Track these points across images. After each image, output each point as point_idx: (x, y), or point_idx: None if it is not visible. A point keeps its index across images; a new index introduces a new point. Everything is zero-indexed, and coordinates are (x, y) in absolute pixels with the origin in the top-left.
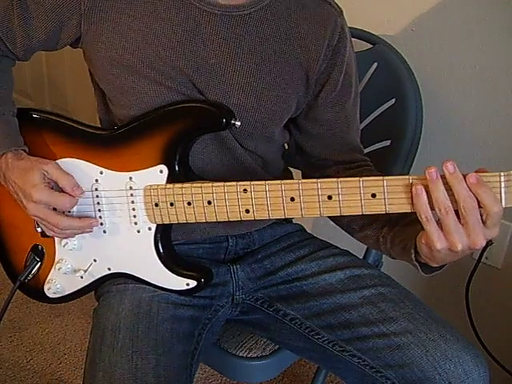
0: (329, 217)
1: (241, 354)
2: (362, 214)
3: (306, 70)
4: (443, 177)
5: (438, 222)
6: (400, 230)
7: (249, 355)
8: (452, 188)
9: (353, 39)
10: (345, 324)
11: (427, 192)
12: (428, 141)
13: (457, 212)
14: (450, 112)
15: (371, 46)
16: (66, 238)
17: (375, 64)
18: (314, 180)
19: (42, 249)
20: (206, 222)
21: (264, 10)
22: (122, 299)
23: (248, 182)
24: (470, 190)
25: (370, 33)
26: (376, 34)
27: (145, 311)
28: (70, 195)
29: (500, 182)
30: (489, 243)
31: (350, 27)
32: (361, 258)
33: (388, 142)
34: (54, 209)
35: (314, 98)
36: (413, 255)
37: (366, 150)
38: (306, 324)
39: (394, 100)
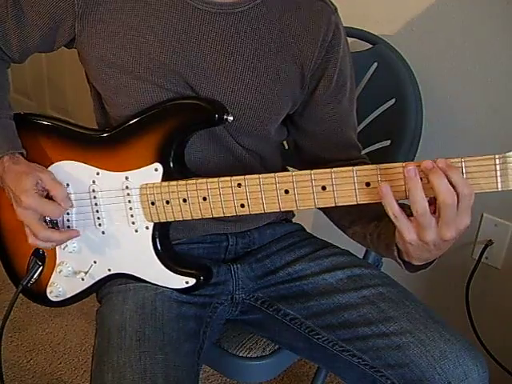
0: (324, 213)
1: (241, 354)
2: (350, 210)
3: (300, 67)
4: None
5: (409, 216)
6: (385, 226)
7: (249, 355)
8: (432, 184)
9: (353, 39)
10: (345, 324)
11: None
12: (428, 141)
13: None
14: (449, 112)
15: (371, 45)
16: (49, 248)
17: (375, 64)
18: (308, 171)
19: (43, 252)
20: (206, 220)
21: (258, 7)
22: (124, 299)
23: (242, 177)
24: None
25: (370, 33)
26: (376, 34)
27: (150, 311)
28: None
29: (495, 164)
30: (488, 243)
31: (350, 27)
32: (361, 257)
33: (388, 142)
34: (45, 220)
35: (309, 96)
36: (395, 252)
37: (366, 150)
38: (305, 324)
39: (393, 100)
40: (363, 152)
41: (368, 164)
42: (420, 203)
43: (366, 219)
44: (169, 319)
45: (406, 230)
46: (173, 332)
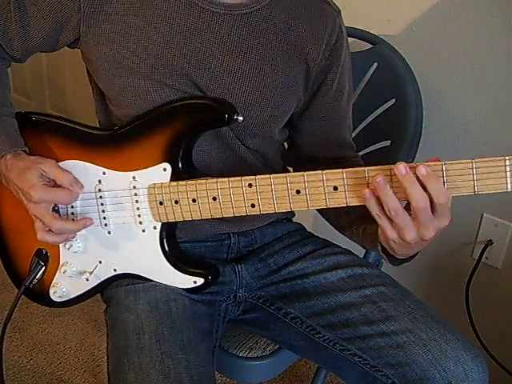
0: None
1: (241, 354)
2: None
3: (306, 68)
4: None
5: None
6: (370, 222)
7: (249, 355)
8: (405, 189)
9: (353, 39)
10: (346, 323)
11: None
12: (428, 141)
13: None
14: (449, 112)
15: (371, 46)
16: (59, 242)
17: (375, 64)
18: (319, 172)
19: (47, 252)
20: (209, 220)
21: (265, 8)
22: (136, 299)
23: (253, 177)
24: (419, 181)
25: (370, 33)
26: (376, 33)
27: (164, 311)
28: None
29: (505, 166)
30: (488, 243)
31: (349, 27)
32: (361, 257)
33: (388, 142)
34: (57, 211)
35: (310, 97)
36: (379, 247)
37: (366, 150)
38: (306, 323)
39: (393, 100)
40: (363, 152)
41: (360, 163)
42: (392, 205)
43: (352, 215)
44: (184, 319)
45: (389, 229)
46: (190, 332)
